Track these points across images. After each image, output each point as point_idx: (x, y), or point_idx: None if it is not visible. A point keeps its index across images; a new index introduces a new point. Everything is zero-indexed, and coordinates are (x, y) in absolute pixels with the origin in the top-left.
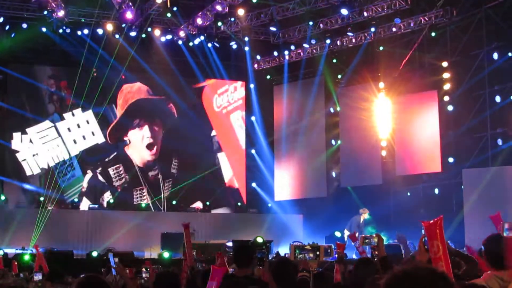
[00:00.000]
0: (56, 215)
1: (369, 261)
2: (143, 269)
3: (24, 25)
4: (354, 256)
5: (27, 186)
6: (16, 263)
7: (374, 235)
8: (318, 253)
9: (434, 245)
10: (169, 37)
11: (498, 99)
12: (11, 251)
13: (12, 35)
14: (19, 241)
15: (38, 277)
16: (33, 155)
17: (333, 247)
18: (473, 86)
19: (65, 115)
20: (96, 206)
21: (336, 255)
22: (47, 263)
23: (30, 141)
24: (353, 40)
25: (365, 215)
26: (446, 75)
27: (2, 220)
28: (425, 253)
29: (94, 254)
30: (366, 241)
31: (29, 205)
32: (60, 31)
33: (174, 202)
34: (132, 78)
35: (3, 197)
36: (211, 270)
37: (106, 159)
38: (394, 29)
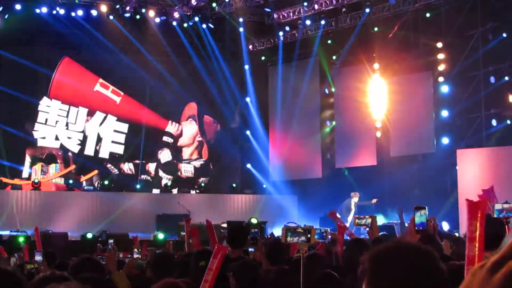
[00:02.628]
0: (51, 196)
1: (361, 241)
2: (135, 250)
3: (18, 7)
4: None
5: (21, 168)
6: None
7: (368, 216)
8: (309, 236)
9: (473, 224)
10: (163, 18)
11: (492, 79)
12: (5, 233)
13: (6, 17)
14: (14, 223)
15: (39, 257)
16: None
17: (329, 230)
18: (467, 67)
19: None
20: (91, 187)
21: (330, 237)
22: (42, 245)
23: None
24: (348, 21)
25: (355, 199)
26: (440, 56)
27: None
28: (415, 234)
29: (89, 236)
30: (359, 221)
31: (23, 187)
32: (54, 12)
33: (169, 184)
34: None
35: None
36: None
37: None
38: (388, 10)
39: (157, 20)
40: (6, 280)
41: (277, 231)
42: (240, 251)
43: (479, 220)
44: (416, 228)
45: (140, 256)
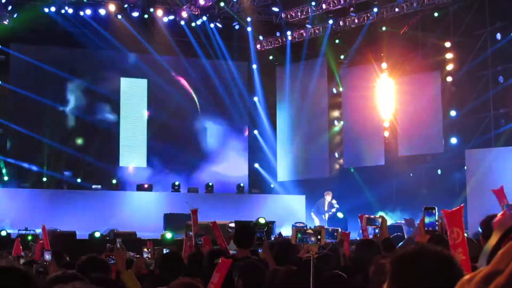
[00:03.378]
0: (59, 195)
1: (371, 242)
2: (145, 249)
3: (27, 6)
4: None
5: (29, 166)
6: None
7: (378, 216)
8: (319, 237)
9: (454, 232)
10: (171, 17)
11: (501, 79)
12: (13, 231)
13: (15, 16)
14: (22, 221)
15: (47, 256)
16: None
17: (339, 230)
18: (476, 67)
19: None
20: (99, 186)
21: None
22: (50, 244)
23: None
24: (356, 21)
25: (328, 198)
26: (449, 56)
27: (5, 201)
28: (425, 234)
29: (97, 235)
30: (370, 222)
31: (32, 186)
32: (63, 11)
33: (176, 183)
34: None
35: (6, 178)
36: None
37: None
38: (397, 9)
39: (165, 19)
40: (20, 280)
41: (285, 231)
42: (246, 251)
43: (459, 227)
44: (425, 228)
45: (149, 256)
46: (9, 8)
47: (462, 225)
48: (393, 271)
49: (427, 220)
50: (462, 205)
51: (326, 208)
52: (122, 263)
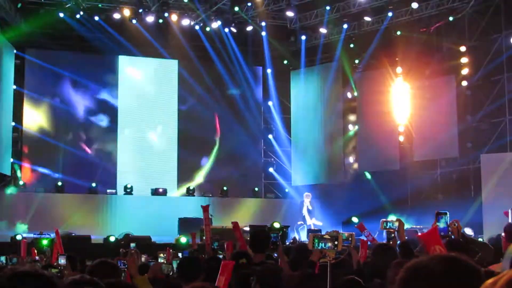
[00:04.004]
0: (74, 200)
1: (388, 246)
2: (161, 254)
3: (42, 11)
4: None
5: (44, 171)
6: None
7: (395, 220)
8: (336, 242)
9: (436, 249)
10: (186, 22)
11: None
12: (29, 236)
13: (30, 21)
14: (37, 226)
15: (62, 260)
16: None
17: (354, 235)
18: (491, 71)
19: None
20: (114, 191)
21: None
22: (65, 248)
23: None
24: (371, 25)
25: (307, 200)
26: (464, 60)
27: (21, 205)
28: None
29: (112, 239)
30: (386, 225)
31: (47, 190)
32: (78, 16)
33: (191, 187)
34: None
35: (21, 182)
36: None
37: None
38: (411, 14)
39: (180, 24)
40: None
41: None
42: (262, 255)
43: (440, 244)
44: (441, 233)
45: (165, 261)
46: (25, 13)
47: (441, 242)
48: (403, 279)
49: (439, 225)
50: (435, 226)
51: (304, 214)
52: (135, 268)
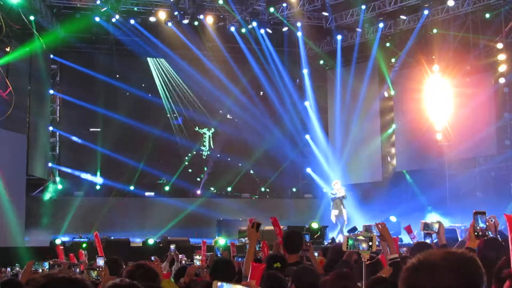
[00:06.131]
0: (112, 203)
1: (426, 245)
2: (196, 257)
3: (77, 15)
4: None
5: (84, 175)
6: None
7: (436, 222)
8: (370, 243)
9: None
10: (221, 24)
11: None
12: (67, 239)
13: (66, 26)
14: (76, 229)
15: (100, 262)
16: None
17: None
18: None
19: None
20: (152, 193)
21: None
22: (104, 251)
23: None
24: (406, 23)
25: (337, 186)
26: (501, 57)
27: (59, 209)
28: (475, 239)
29: (150, 242)
30: (427, 228)
31: (85, 194)
32: (113, 20)
33: (229, 189)
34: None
35: (60, 186)
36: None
37: None
38: (447, 12)
39: (215, 26)
40: None
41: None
42: (296, 256)
43: None
44: (475, 233)
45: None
46: (60, 18)
47: None
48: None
49: (478, 224)
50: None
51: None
52: (160, 272)
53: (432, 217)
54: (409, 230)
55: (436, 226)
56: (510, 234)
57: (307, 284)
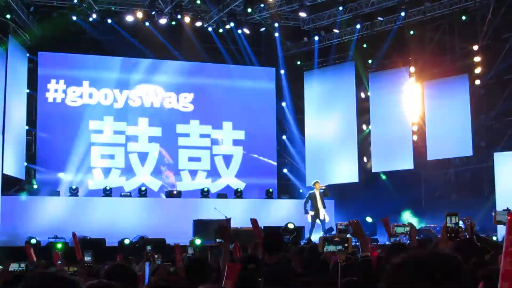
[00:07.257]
0: (89, 203)
1: (402, 246)
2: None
3: (54, 14)
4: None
5: (59, 175)
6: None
7: (407, 224)
8: (346, 245)
9: (509, 239)
10: (199, 24)
11: None
12: (43, 239)
13: (42, 24)
14: (52, 229)
15: (88, 257)
16: None
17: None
18: (504, 70)
19: None
20: (128, 193)
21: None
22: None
23: None
24: (383, 25)
25: (317, 186)
26: (477, 59)
27: (35, 209)
28: (447, 240)
29: (126, 242)
30: (398, 229)
31: (61, 194)
32: (90, 19)
33: (205, 189)
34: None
35: (35, 186)
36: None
37: None
38: (424, 13)
39: (193, 26)
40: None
41: (313, 236)
42: (275, 256)
43: None
44: (448, 235)
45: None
46: (37, 16)
47: None
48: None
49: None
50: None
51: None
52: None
53: (408, 219)
54: (386, 223)
55: (407, 228)
56: (507, 236)
57: (280, 285)
